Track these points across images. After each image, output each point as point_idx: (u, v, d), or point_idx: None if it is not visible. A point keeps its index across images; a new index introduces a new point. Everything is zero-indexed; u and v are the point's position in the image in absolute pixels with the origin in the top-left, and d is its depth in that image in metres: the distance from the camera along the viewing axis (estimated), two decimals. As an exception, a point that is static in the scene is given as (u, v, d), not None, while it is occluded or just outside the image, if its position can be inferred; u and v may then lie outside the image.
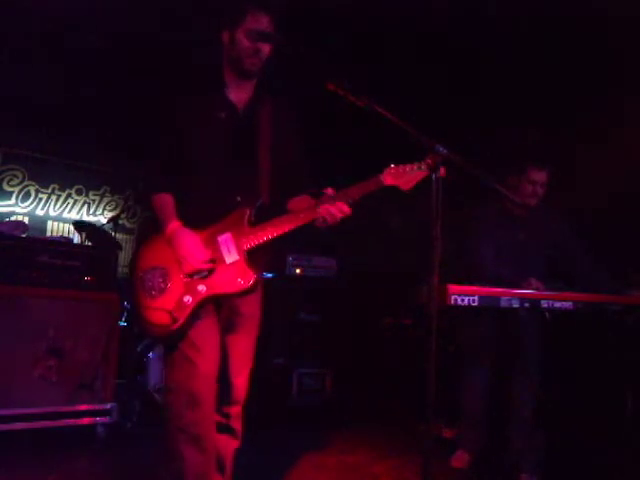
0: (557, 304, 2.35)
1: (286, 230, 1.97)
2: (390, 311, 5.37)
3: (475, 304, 2.13)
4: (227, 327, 2.07)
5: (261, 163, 2.08)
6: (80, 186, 6.07)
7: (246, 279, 1.94)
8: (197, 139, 2.04)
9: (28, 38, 4.26)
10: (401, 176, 1.91)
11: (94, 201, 6.17)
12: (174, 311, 1.90)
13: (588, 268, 3.09)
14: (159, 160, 2.09)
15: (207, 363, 1.94)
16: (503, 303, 2.22)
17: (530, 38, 3.76)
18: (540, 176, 3.13)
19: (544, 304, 2.33)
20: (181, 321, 1.89)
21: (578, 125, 3.90)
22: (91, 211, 6.14)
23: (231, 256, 1.96)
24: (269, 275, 4.93)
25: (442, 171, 1.68)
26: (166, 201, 2.03)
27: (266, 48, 2.01)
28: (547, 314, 2.55)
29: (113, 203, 6.29)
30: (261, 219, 2.01)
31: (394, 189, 1.93)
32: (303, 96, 4.25)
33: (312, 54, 1.75)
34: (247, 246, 1.97)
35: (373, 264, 5.61)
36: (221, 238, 1.97)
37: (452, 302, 2.07)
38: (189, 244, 1.93)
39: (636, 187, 3.53)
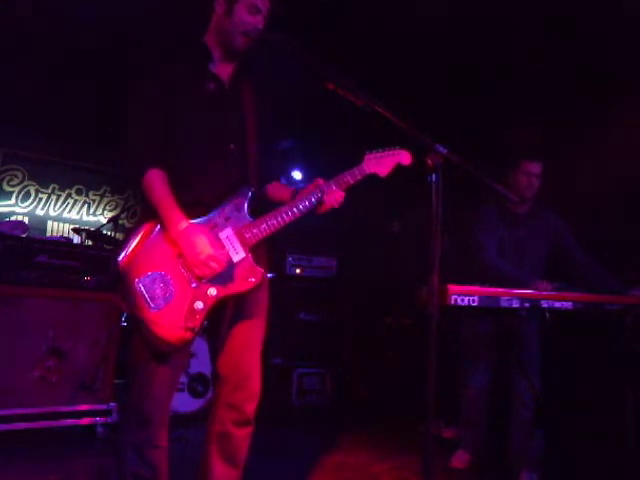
0: (557, 304, 2.35)
1: (287, 222, 1.93)
2: (390, 311, 5.37)
3: (475, 304, 2.13)
4: (236, 316, 1.98)
5: (249, 143, 2.01)
6: (80, 186, 6.07)
7: (256, 276, 1.89)
8: (185, 108, 1.91)
9: (28, 38, 4.26)
10: (379, 163, 1.99)
11: (94, 201, 6.17)
12: (187, 321, 1.79)
13: (587, 267, 3.11)
14: (146, 129, 1.88)
15: (164, 387, 1.90)
16: (503, 303, 2.22)
17: (529, 38, 3.75)
18: (533, 167, 3.21)
19: (544, 304, 2.33)
20: (197, 329, 1.81)
21: (578, 125, 3.90)
22: (91, 211, 6.14)
23: (238, 254, 1.88)
24: (269, 275, 4.93)
25: (429, 162, 1.66)
26: (163, 183, 1.84)
27: (260, 26, 1.93)
28: (547, 314, 2.55)
29: (113, 203, 6.29)
30: (255, 209, 1.96)
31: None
32: (300, 94, 4.28)
33: (312, 53, 1.75)
34: (252, 241, 1.90)
35: (373, 264, 5.61)
36: (223, 235, 1.88)
37: (452, 302, 2.06)
38: (206, 248, 1.80)
39: (636, 187, 3.53)
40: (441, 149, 1.66)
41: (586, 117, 3.83)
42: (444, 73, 4.25)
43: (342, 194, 1.97)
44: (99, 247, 4.23)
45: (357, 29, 4.00)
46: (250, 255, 1.90)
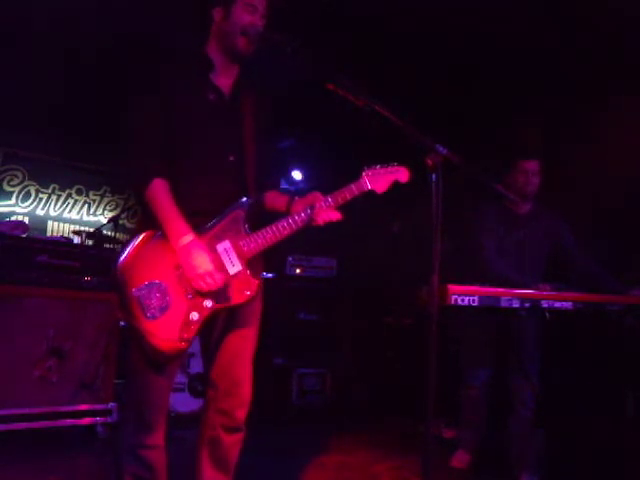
0: (557, 304, 2.35)
1: (285, 235, 1.93)
2: (390, 311, 5.37)
3: (475, 304, 2.13)
4: (229, 326, 2.00)
5: (248, 154, 2.02)
6: (80, 186, 6.06)
7: (251, 288, 1.90)
8: (185, 119, 1.91)
9: (28, 38, 4.26)
10: (376, 179, 1.99)
11: (94, 201, 6.17)
12: (182, 332, 1.80)
13: (587, 267, 3.11)
14: (148, 139, 1.88)
15: (160, 392, 1.92)
16: (503, 303, 2.23)
17: (530, 37, 3.75)
18: (530, 165, 3.21)
19: (544, 304, 2.33)
20: (191, 340, 1.83)
21: (578, 125, 3.90)
22: (91, 211, 6.13)
23: (234, 267, 1.88)
24: (269, 275, 4.93)
25: (429, 162, 1.66)
26: (167, 193, 1.84)
27: (259, 23, 1.93)
28: (547, 314, 2.55)
29: (113, 203, 6.28)
30: (253, 220, 1.96)
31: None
32: (300, 94, 4.28)
33: (312, 53, 1.75)
34: (249, 255, 1.90)
35: (373, 264, 5.61)
36: (220, 247, 1.88)
37: (452, 302, 2.07)
38: (205, 263, 1.79)
39: (636, 187, 3.53)
40: (441, 149, 1.66)
41: (586, 117, 3.83)
42: (444, 73, 4.25)
43: (338, 215, 1.97)
44: (99, 247, 4.23)
45: (357, 29, 4.00)
46: (246, 268, 1.90)
